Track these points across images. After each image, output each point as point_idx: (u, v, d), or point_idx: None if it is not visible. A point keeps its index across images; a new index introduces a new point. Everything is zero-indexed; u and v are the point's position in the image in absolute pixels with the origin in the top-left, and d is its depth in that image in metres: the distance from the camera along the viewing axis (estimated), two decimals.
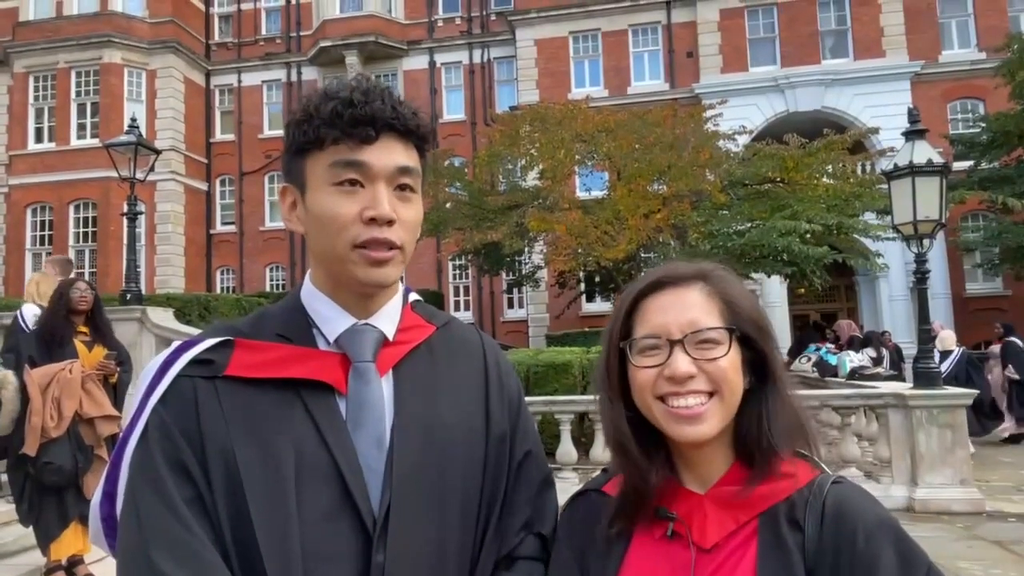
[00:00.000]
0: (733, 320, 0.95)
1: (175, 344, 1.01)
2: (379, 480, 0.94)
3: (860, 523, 0.87)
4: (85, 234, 20.75)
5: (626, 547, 0.96)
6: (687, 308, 0.94)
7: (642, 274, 1.05)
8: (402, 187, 0.97)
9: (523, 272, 16.43)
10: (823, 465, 0.97)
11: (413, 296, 1.14)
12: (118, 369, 4.57)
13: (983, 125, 16.35)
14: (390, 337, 1.03)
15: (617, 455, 0.99)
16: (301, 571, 0.88)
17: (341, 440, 0.94)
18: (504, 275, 17.84)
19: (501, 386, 1.09)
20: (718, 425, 0.92)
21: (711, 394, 0.92)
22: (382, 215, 0.94)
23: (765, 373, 0.96)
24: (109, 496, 0.98)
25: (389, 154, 0.96)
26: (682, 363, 0.91)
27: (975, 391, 7.38)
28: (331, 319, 1.00)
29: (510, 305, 21.44)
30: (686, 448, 0.95)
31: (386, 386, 1.00)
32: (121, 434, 0.98)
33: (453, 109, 22.43)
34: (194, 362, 0.97)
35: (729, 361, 0.92)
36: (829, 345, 12.35)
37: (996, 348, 11.33)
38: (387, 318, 1.04)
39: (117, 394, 4.60)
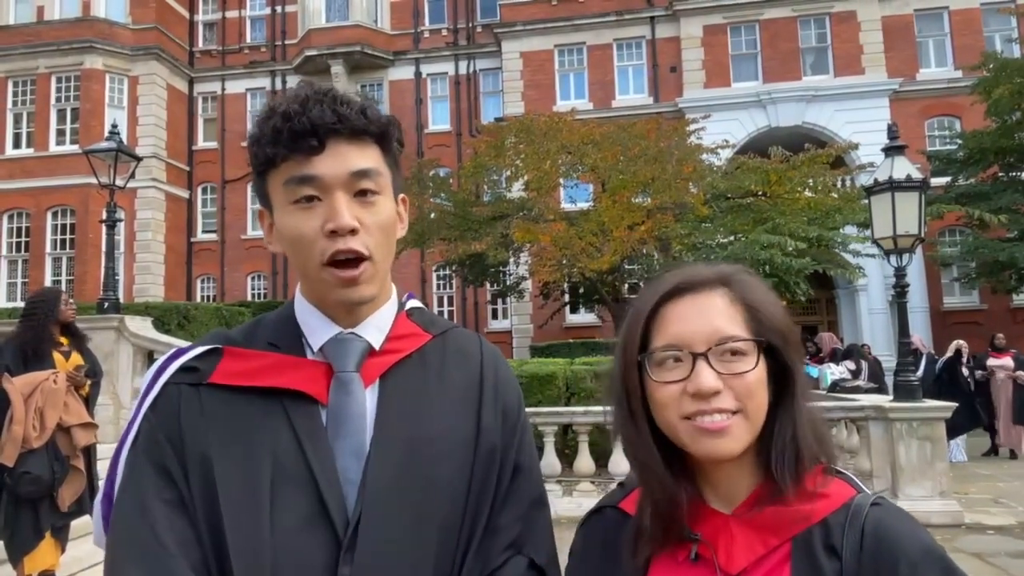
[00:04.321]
0: (758, 329, 0.87)
1: (169, 351, 1.02)
2: (355, 492, 0.92)
3: (903, 553, 0.80)
4: (63, 241, 20.41)
5: (646, 570, 0.89)
6: (710, 316, 0.87)
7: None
8: (363, 192, 0.94)
9: (507, 283, 16.43)
10: (860, 483, 0.90)
11: (413, 303, 1.11)
12: (87, 381, 4.52)
13: (960, 142, 16.65)
14: (376, 346, 1.00)
15: (641, 475, 0.92)
16: None
17: (319, 449, 0.92)
18: (488, 286, 17.82)
19: (496, 397, 1.04)
20: (744, 443, 0.86)
21: (736, 412, 0.85)
22: (342, 226, 0.91)
23: (787, 384, 0.89)
24: (108, 497, 0.98)
25: (341, 161, 0.92)
26: (707, 378, 0.84)
27: (954, 404, 7.46)
28: (316, 328, 0.99)
29: (494, 316, 21.40)
30: (709, 466, 0.89)
31: (371, 397, 0.97)
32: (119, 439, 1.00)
33: (439, 120, 22.44)
34: (182, 369, 0.98)
35: (756, 376, 0.85)
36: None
37: (1004, 360, 10.93)
38: (374, 327, 1.01)
39: (88, 407, 4.53)
